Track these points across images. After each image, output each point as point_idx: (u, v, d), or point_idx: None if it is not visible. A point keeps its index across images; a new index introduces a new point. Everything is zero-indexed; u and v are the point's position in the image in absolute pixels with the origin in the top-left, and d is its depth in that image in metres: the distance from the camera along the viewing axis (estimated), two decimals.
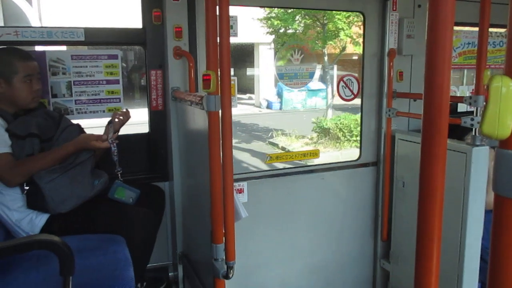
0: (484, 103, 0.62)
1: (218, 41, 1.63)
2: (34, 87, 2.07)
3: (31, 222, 2.00)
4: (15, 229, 2.00)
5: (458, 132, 2.59)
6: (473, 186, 2.24)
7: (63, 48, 2.65)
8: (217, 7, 1.61)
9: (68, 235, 1.88)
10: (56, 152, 2.01)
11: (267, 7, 2.97)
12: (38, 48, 2.47)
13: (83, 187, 2.05)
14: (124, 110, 2.26)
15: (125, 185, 2.17)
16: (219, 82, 1.65)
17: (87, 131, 2.21)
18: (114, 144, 2.09)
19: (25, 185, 1.97)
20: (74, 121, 2.27)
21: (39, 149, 2.01)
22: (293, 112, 9.65)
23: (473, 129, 2.31)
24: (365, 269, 3.18)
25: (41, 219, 2.01)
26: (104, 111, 2.51)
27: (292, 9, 6.38)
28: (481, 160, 2.22)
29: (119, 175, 2.17)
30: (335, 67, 8.52)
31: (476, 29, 2.25)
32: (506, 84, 0.60)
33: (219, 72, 1.64)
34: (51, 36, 2.30)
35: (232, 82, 2.44)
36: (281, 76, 2.81)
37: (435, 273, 0.74)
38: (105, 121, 2.21)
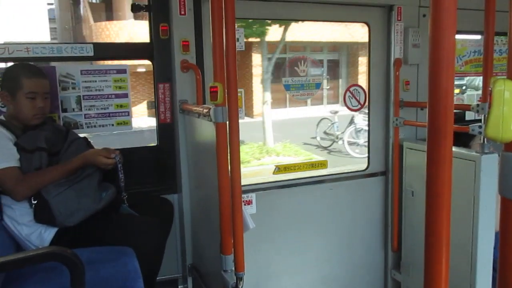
0: (488, 107, 0.62)
1: (224, 53, 1.65)
2: (37, 104, 2.07)
3: (40, 236, 2.01)
4: (25, 243, 2.01)
5: (463, 139, 2.58)
6: (483, 194, 2.23)
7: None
8: (223, 20, 1.63)
9: (77, 248, 1.89)
10: (64, 166, 2.03)
11: (273, 19, 2.99)
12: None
13: (90, 200, 2.06)
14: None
15: (131, 210, 2.20)
16: (226, 94, 1.67)
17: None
18: (121, 169, 2.11)
19: (33, 199, 1.99)
20: (81, 135, 2.30)
21: (47, 162, 2.03)
22: None
23: (482, 137, 2.30)
24: (376, 280, 3.15)
25: (49, 233, 2.02)
26: (113, 125, 2.54)
27: None
28: (491, 168, 2.21)
29: (125, 200, 2.20)
30: None
31: (482, 37, 2.26)
32: (509, 87, 0.60)
33: (226, 84, 1.67)
34: (61, 51, 2.34)
35: (239, 94, 2.46)
36: (288, 88, 2.82)
37: (445, 281, 0.74)
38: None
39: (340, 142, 9.57)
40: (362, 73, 13.62)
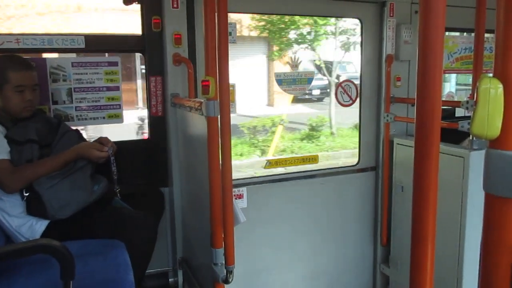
0: (474, 105, 0.64)
1: (216, 47, 1.65)
2: (26, 97, 2.04)
3: (31, 228, 2.00)
4: (15, 235, 2.01)
5: (454, 137, 2.61)
6: (471, 190, 2.25)
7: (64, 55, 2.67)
8: (216, 14, 1.63)
9: (69, 241, 1.89)
10: (56, 159, 2.02)
11: (265, 13, 2.99)
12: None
13: (82, 192, 2.06)
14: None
15: (123, 203, 2.20)
16: (218, 88, 1.67)
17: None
18: (114, 162, 2.11)
19: (24, 191, 1.98)
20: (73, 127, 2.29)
21: (38, 155, 2.02)
22: None
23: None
24: (365, 274, 3.18)
25: (41, 225, 2.01)
26: (104, 118, 2.53)
27: None
28: (479, 164, 2.23)
29: (118, 193, 2.20)
30: None
31: (473, 34, 2.28)
32: (494, 85, 0.62)
33: (218, 78, 1.67)
34: (52, 43, 2.32)
35: (231, 88, 2.46)
36: (280, 82, 2.83)
37: (430, 275, 0.75)
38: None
39: None
40: None
